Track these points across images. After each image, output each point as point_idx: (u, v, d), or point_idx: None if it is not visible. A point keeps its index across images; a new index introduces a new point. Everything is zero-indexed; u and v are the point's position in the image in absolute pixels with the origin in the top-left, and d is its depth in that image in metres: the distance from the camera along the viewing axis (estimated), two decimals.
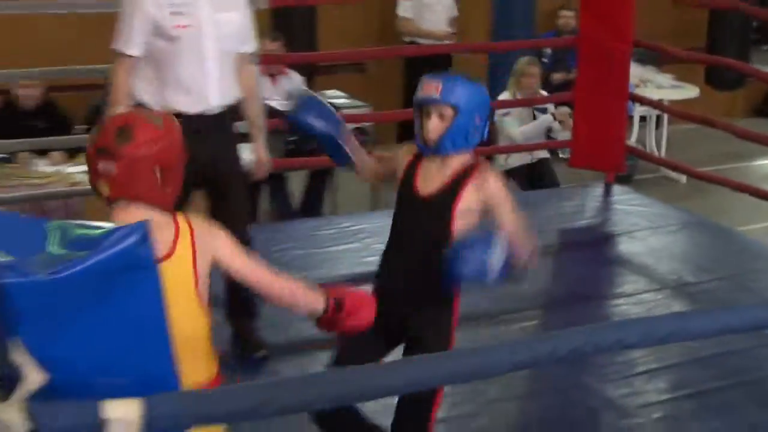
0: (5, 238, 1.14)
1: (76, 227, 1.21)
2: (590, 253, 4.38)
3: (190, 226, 1.57)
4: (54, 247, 1.14)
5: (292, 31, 5.26)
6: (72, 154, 4.70)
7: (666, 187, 6.05)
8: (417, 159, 2.23)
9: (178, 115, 2.45)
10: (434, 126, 2.10)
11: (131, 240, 1.13)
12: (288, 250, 3.92)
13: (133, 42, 2.74)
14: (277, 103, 4.74)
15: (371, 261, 3.03)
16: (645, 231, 4.48)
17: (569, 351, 1.36)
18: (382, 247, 2.33)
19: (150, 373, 1.19)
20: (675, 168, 5.49)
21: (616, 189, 4.77)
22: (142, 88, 2.83)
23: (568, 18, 5.73)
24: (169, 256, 1.51)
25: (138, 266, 1.15)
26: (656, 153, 6.47)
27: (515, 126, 4.91)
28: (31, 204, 4.37)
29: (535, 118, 4.95)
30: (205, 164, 2.75)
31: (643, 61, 6.14)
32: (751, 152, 6.19)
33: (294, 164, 4.75)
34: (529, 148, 4.95)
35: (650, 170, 6.15)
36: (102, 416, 1.05)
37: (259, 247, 3.02)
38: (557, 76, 5.91)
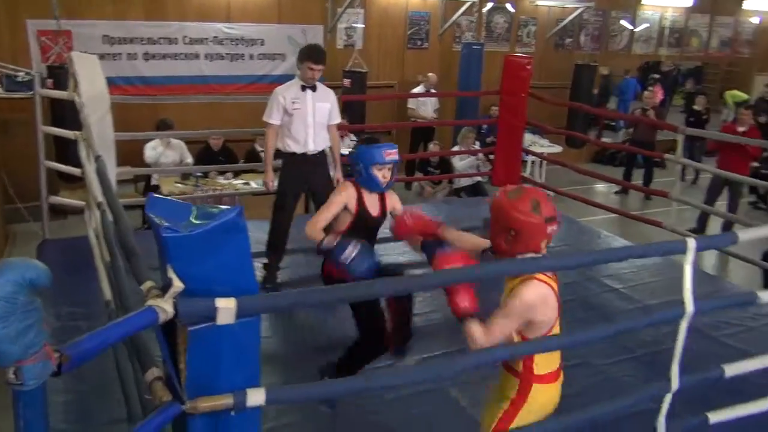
0: (167, 212, 1.60)
1: (206, 207, 1.66)
2: None
3: None
4: (193, 218, 1.59)
5: (353, 113, 8.18)
6: (236, 173, 6.91)
7: None
8: (360, 196, 2.95)
9: (293, 155, 4.41)
10: (389, 175, 2.95)
11: (232, 214, 1.58)
12: None
13: (273, 117, 4.41)
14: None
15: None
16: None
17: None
18: None
19: (240, 286, 1.64)
20: (548, 188, 7.10)
21: None
22: (279, 140, 4.46)
23: (495, 111, 8.21)
24: None
25: (236, 229, 1.59)
26: (539, 180, 8.91)
27: (458, 163, 8.21)
28: (214, 199, 6.38)
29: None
30: (309, 180, 4.48)
31: (533, 132, 9.26)
32: (590, 181, 9.02)
33: None
34: (470, 175, 8.11)
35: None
36: (214, 305, 1.57)
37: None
38: (489, 139, 8.95)
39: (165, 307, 1.53)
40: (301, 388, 2.03)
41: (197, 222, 1.58)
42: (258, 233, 5.33)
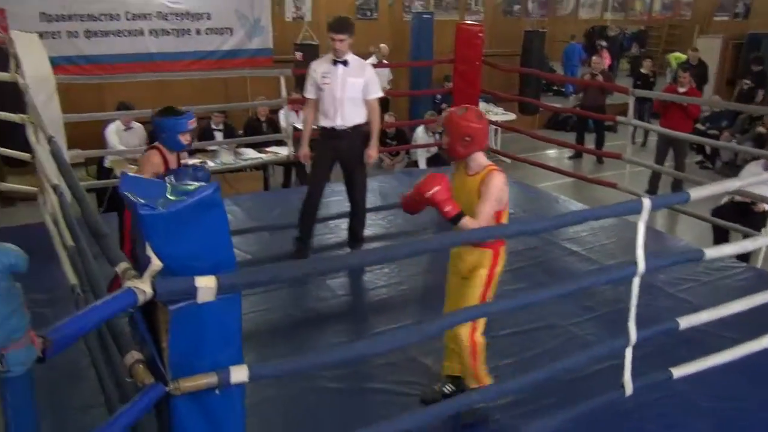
0: (142, 190, 1.58)
1: (180, 185, 1.62)
2: None
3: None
4: (169, 195, 1.58)
5: None
6: (190, 153, 6.70)
7: (499, 165, 8.76)
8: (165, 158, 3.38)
9: (324, 128, 4.37)
10: (191, 138, 3.42)
11: (209, 190, 1.58)
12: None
13: (308, 91, 4.43)
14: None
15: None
16: None
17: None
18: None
19: (220, 262, 1.64)
20: (504, 155, 7.77)
21: None
22: (314, 113, 4.47)
23: (449, 83, 7.98)
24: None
25: (213, 205, 1.59)
26: (494, 147, 8.89)
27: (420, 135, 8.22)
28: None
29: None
30: (340, 154, 4.41)
31: (487, 100, 9.33)
32: (543, 147, 9.04)
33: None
34: (427, 146, 8.16)
35: (491, 157, 8.83)
36: (194, 284, 1.56)
37: (300, 197, 4.75)
38: (443, 106, 8.86)
39: (144, 288, 1.52)
40: (283, 363, 2.03)
41: (173, 198, 1.57)
42: None
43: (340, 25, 4.28)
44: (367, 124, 4.47)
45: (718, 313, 2.92)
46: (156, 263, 1.52)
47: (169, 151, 3.35)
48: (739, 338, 3.13)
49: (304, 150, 4.61)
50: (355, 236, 4.69)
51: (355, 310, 4.09)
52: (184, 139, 3.32)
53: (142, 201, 1.51)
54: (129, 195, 1.55)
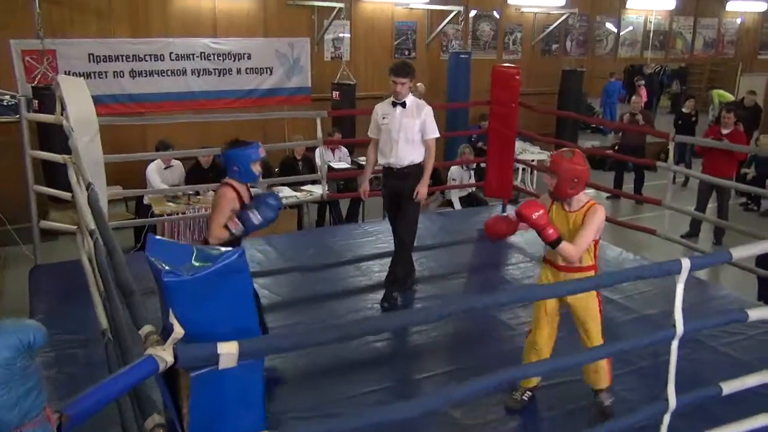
0: (167, 255, 1.62)
1: (206, 249, 1.69)
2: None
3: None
4: (194, 261, 1.61)
5: (344, 127, 8.30)
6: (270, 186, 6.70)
7: None
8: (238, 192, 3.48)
9: (383, 167, 4.59)
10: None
11: (234, 257, 1.59)
12: (340, 241, 5.82)
13: (371, 131, 4.69)
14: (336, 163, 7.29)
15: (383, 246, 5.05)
16: (523, 229, 6.97)
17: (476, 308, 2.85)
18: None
19: (242, 327, 1.65)
20: (538, 196, 7.75)
21: (508, 207, 6.82)
22: (376, 152, 4.66)
23: (485, 123, 8.11)
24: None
25: (237, 270, 1.60)
26: (529, 188, 9.12)
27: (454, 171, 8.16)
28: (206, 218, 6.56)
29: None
30: (395, 191, 4.58)
31: (523, 140, 9.26)
32: None
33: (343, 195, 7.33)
34: (462, 186, 8.09)
35: (526, 197, 8.12)
36: (216, 351, 1.56)
37: (333, 237, 5.22)
38: (479, 145, 8.92)
39: (165, 356, 1.51)
40: (308, 428, 1.99)
41: (198, 264, 1.58)
42: (252, 251, 5.37)
43: (402, 70, 4.47)
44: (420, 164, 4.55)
45: (765, 378, 2.78)
46: (178, 330, 1.53)
47: (240, 184, 3.43)
48: None
49: (365, 186, 4.83)
50: (394, 277, 4.63)
51: (386, 356, 4.01)
52: (256, 168, 3.41)
53: (167, 268, 1.51)
54: (153, 260, 1.55)
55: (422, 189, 4.51)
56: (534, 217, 2.91)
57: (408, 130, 4.46)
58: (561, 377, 3.59)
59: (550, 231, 2.92)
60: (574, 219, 3.08)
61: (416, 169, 4.53)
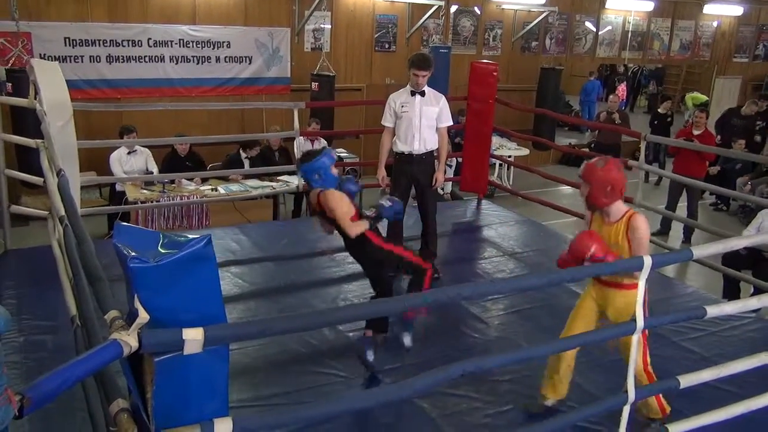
0: (134, 241, 1.62)
1: (173, 236, 1.66)
2: (468, 234, 6.16)
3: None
4: (161, 248, 1.61)
5: (323, 118, 8.23)
6: (203, 179, 6.87)
7: (509, 202, 8.11)
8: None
9: (401, 153, 4.74)
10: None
11: (200, 244, 1.58)
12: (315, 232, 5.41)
13: (386, 120, 4.84)
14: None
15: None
16: (497, 224, 6.34)
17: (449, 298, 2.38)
18: None
19: (208, 314, 1.64)
20: (514, 192, 7.65)
21: (484, 202, 6.89)
22: (391, 140, 4.84)
23: (463, 118, 8.20)
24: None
25: (204, 258, 1.59)
26: (505, 184, 9.10)
27: None
28: (182, 205, 6.46)
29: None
30: (414, 177, 4.79)
31: (500, 136, 9.24)
32: (553, 184, 8.79)
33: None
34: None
35: (501, 193, 8.60)
36: (181, 337, 1.56)
37: (309, 228, 4.96)
38: (456, 140, 8.71)
39: (129, 341, 1.51)
40: (271, 416, 2.01)
41: (165, 251, 1.57)
42: (226, 240, 5.35)
43: (424, 63, 4.71)
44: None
45: (720, 372, 2.87)
46: (143, 316, 1.52)
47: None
48: (741, 393, 3.10)
49: (382, 172, 5.03)
50: (427, 249, 4.91)
51: (355, 345, 4.03)
52: (335, 172, 3.58)
53: (134, 254, 1.52)
54: (120, 246, 1.56)
55: (440, 176, 4.87)
56: (588, 256, 2.79)
57: (428, 117, 4.73)
58: (527, 371, 3.64)
59: (611, 259, 2.80)
60: (616, 230, 2.97)
61: (431, 156, 4.83)
